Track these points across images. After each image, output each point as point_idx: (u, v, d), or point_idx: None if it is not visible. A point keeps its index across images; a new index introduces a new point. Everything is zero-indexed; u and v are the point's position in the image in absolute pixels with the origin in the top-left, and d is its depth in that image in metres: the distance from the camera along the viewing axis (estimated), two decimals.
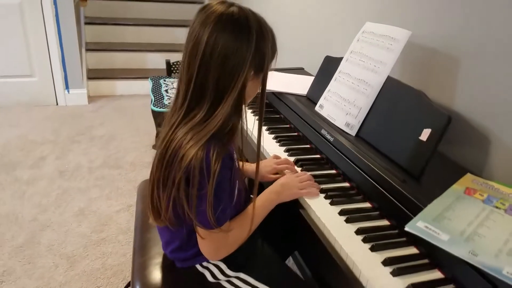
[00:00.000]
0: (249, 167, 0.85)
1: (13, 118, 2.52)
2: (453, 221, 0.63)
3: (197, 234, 0.68)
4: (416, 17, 1.04)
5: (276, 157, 0.93)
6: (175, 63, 2.27)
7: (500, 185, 0.75)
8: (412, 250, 0.67)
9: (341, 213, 0.75)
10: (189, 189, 0.62)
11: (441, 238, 0.59)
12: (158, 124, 1.98)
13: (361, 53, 1.01)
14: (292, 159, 0.94)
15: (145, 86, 2.85)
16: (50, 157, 2.07)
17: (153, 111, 1.92)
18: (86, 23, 3.10)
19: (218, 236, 0.67)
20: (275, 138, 1.06)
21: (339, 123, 0.99)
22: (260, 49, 0.64)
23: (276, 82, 1.27)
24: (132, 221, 1.59)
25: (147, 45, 3.20)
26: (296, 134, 1.10)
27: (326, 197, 0.80)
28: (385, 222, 0.74)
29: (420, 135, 0.78)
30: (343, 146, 0.89)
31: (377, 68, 0.94)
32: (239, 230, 0.71)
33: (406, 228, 0.61)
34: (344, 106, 0.99)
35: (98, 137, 2.33)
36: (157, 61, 3.11)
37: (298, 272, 1.04)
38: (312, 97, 1.15)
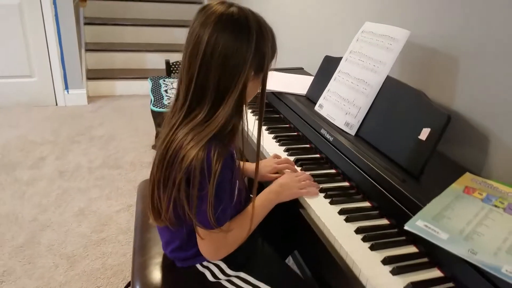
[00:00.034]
0: (249, 166, 0.85)
1: (13, 118, 2.51)
2: (452, 220, 0.63)
3: (196, 235, 0.68)
4: (416, 17, 1.04)
5: (276, 156, 0.93)
6: (174, 63, 2.28)
7: (499, 184, 0.75)
8: (412, 249, 0.68)
9: (341, 212, 0.76)
10: (189, 190, 0.62)
11: (440, 237, 0.59)
12: (157, 124, 1.98)
13: (360, 52, 1.01)
14: (291, 158, 0.94)
15: (145, 86, 2.85)
16: (50, 157, 2.07)
17: (152, 111, 1.92)
18: (85, 24, 3.10)
19: (218, 236, 0.67)
20: (275, 138, 1.07)
21: (339, 122, 0.99)
22: (260, 48, 0.64)
23: (276, 82, 1.28)
24: (132, 221, 1.59)
25: (146, 45, 3.20)
26: (295, 133, 1.11)
27: (325, 197, 0.80)
28: (384, 221, 0.75)
29: (419, 134, 0.78)
30: (342, 146, 0.89)
31: (377, 67, 0.94)
32: (239, 230, 0.72)
33: (406, 227, 0.61)
34: (343, 106, 0.99)
35: (97, 137, 2.33)
36: (156, 61, 3.11)
37: (298, 272, 1.05)
38: (312, 97, 1.16)
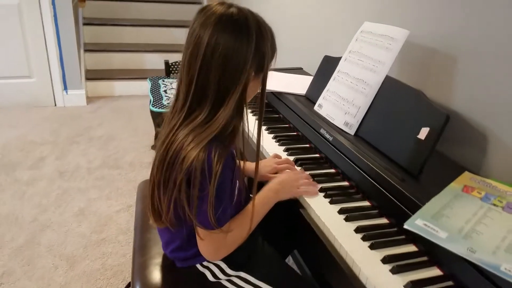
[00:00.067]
0: (249, 166, 0.85)
1: (12, 119, 2.51)
2: (451, 219, 0.63)
3: (196, 235, 0.68)
4: (415, 16, 1.04)
5: (277, 156, 0.94)
6: (173, 64, 2.28)
7: (498, 183, 0.76)
8: (411, 248, 0.68)
9: (341, 211, 0.76)
10: (190, 191, 0.63)
11: (439, 236, 0.59)
12: (157, 125, 1.98)
13: (359, 52, 1.01)
14: (291, 158, 0.95)
15: (144, 86, 2.84)
16: (50, 157, 2.07)
17: (152, 112, 1.92)
18: (84, 24, 3.10)
19: (218, 236, 0.67)
20: (275, 137, 1.07)
21: (338, 122, 0.99)
22: (260, 48, 0.64)
23: (275, 82, 1.28)
24: (131, 222, 1.59)
25: (145, 45, 3.20)
26: (295, 133, 1.11)
27: (325, 196, 0.80)
28: (384, 220, 0.75)
29: (418, 134, 0.79)
30: (342, 145, 0.90)
31: (376, 67, 0.95)
32: (239, 230, 0.72)
33: (405, 226, 0.62)
34: (343, 106, 1.00)
35: (97, 138, 2.33)
36: (155, 61, 3.11)
37: (297, 271, 1.05)
38: (311, 97, 1.16)
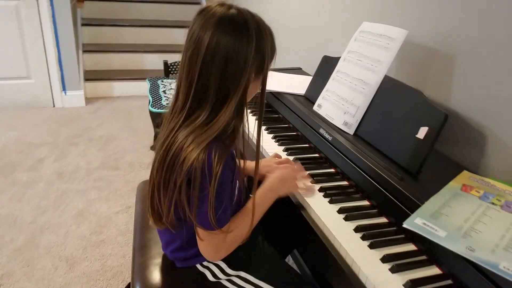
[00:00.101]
0: (249, 165, 0.84)
1: (11, 120, 2.51)
2: (450, 218, 0.64)
3: (196, 236, 0.68)
4: (415, 16, 1.05)
5: (277, 156, 0.94)
6: (172, 64, 2.27)
7: (496, 181, 0.76)
8: (410, 247, 0.68)
9: (340, 211, 0.76)
10: (190, 191, 0.63)
11: (438, 235, 0.60)
12: (156, 125, 1.98)
13: (358, 52, 1.01)
14: (291, 158, 0.95)
15: (143, 87, 2.84)
16: (49, 159, 2.07)
17: (151, 112, 1.92)
18: (83, 25, 3.10)
19: (217, 237, 0.67)
20: (274, 137, 1.07)
21: (337, 122, 0.99)
22: (260, 49, 0.64)
23: (274, 82, 1.28)
24: (131, 223, 1.59)
25: (144, 46, 3.20)
26: (294, 133, 1.11)
27: (325, 196, 0.81)
28: (383, 220, 0.75)
29: (417, 133, 0.79)
30: (341, 145, 0.90)
31: (375, 67, 0.95)
32: (239, 230, 0.72)
33: (404, 225, 0.62)
34: (342, 105, 1.00)
35: (96, 139, 2.33)
36: (154, 62, 3.11)
37: (298, 271, 1.05)
38: (310, 97, 1.16)
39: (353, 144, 0.89)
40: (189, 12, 3.23)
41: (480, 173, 0.83)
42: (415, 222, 0.62)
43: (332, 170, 0.92)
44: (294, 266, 1.28)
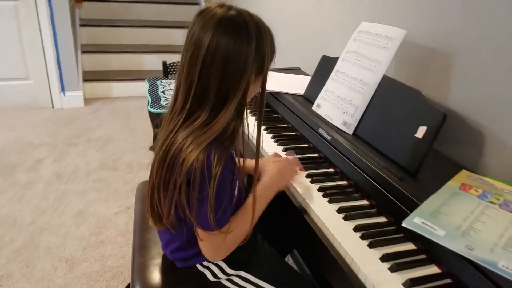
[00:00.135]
0: (249, 163, 0.84)
1: (10, 121, 2.50)
2: (449, 217, 0.64)
3: (197, 236, 0.68)
4: (415, 16, 1.05)
5: (277, 155, 0.94)
6: (171, 64, 2.27)
7: (495, 180, 0.76)
8: (410, 246, 0.68)
9: (339, 210, 0.76)
10: (190, 192, 0.63)
11: (437, 234, 0.60)
12: (155, 126, 1.97)
13: (357, 52, 1.02)
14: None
15: (142, 87, 2.84)
16: (48, 160, 2.07)
17: (150, 113, 1.92)
18: (81, 25, 3.09)
19: (217, 237, 0.67)
20: (273, 137, 1.07)
21: (336, 122, 1.00)
22: (260, 50, 0.64)
23: (273, 82, 1.28)
24: (130, 223, 1.59)
25: (143, 46, 3.20)
26: (294, 133, 1.11)
27: (324, 195, 0.81)
28: (382, 219, 0.75)
29: (416, 132, 0.79)
30: (340, 145, 0.90)
31: (373, 67, 0.95)
32: (239, 230, 0.72)
33: (403, 224, 0.62)
34: (341, 105, 1.00)
35: (95, 139, 2.33)
36: (153, 62, 3.11)
37: (297, 270, 1.05)
38: (309, 97, 1.16)
39: (352, 144, 0.89)
40: (187, 13, 3.22)
41: (479, 172, 0.83)
42: (414, 221, 0.62)
43: (331, 169, 0.92)
44: (294, 266, 1.28)
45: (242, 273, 0.78)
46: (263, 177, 0.79)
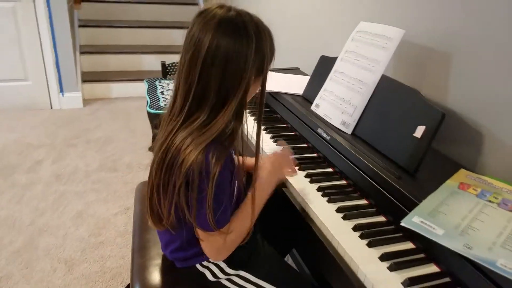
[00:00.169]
0: (249, 161, 0.84)
1: (9, 122, 2.50)
2: (448, 216, 0.64)
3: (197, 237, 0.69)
4: (414, 16, 1.05)
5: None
6: (170, 65, 2.27)
7: (493, 179, 0.76)
8: (409, 245, 0.68)
9: (338, 210, 0.76)
10: (189, 193, 0.63)
11: (436, 233, 0.60)
12: (154, 126, 1.97)
13: (355, 52, 1.02)
14: None
15: (141, 88, 2.84)
16: (47, 161, 2.06)
17: (149, 113, 1.92)
18: (80, 26, 3.09)
19: (218, 238, 0.67)
20: (273, 137, 1.07)
21: (335, 121, 1.00)
22: (260, 51, 0.64)
23: (272, 82, 1.28)
24: (129, 224, 1.59)
25: (141, 47, 3.20)
26: (293, 133, 1.11)
27: (323, 195, 0.81)
28: (381, 218, 0.75)
29: (414, 132, 0.79)
30: (339, 145, 0.90)
31: (372, 66, 0.95)
32: (239, 229, 0.72)
33: (402, 224, 0.62)
34: (339, 105, 1.00)
35: (94, 140, 2.32)
36: (152, 63, 3.11)
37: (297, 270, 1.05)
38: (308, 97, 1.16)
39: (351, 144, 0.89)
40: (186, 13, 3.23)
41: (477, 171, 0.83)
42: (413, 221, 0.62)
43: (330, 169, 0.92)
44: (293, 266, 1.28)
45: (242, 273, 0.78)
46: (259, 174, 0.78)
